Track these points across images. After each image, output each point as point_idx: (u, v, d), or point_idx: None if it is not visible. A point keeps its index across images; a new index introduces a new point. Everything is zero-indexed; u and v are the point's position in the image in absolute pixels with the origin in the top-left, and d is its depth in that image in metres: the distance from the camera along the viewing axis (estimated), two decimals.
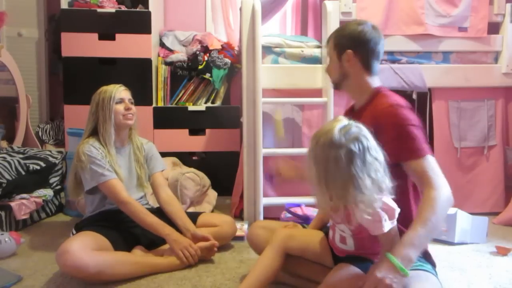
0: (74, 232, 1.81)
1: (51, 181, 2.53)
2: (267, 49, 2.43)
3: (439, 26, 2.46)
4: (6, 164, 2.24)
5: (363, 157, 1.12)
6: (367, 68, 1.46)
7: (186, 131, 2.93)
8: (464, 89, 2.54)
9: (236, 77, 3.13)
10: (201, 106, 2.95)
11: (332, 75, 1.52)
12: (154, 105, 2.89)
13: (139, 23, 2.81)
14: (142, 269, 1.63)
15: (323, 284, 1.25)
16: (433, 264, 1.41)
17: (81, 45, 2.77)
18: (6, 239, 1.83)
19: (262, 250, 1.47)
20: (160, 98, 2.94)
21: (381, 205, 1.14)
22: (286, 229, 1.49)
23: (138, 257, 1.69)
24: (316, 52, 2.47)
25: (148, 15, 2.83)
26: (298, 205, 2.21)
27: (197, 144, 2.95)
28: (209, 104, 3.00)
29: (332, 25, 2.37)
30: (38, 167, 2.40)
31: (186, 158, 2.88)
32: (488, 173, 2.56)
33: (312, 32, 3.10)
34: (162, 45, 3.08)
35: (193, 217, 1.91)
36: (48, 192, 2.40)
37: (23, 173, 2.30)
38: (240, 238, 2.04)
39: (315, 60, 2.47)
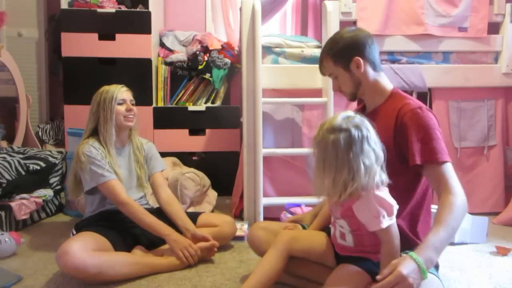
0: (74, 232, 1.81)
1: (51, 181, 2.53)
2: (267, 49, 2.43)
3: (439, 26, 2.46)
4: (6, 164, 2.24)
5: (361, 144, 1.17)
6: (375, 67, 1.47)
7: (186, 131, 2.93)
8: (464, 89, 2.54)
9: (236, 77, 3.13)
10: (201, 106, 2.95)
11: (347, 88, 1.49)
12: (154, 105, 2.89)
13: (139, 23, 2.81)
14: (142, 269, 1.63)
15: (325, 284, 1.25)
16: (436, 266, 1.42)
17: (81, 45, 2.77)
18: (6, 239, 1.83)
19: (263, 251, 1.47)
20: (160, 98, 2.94)
21: (374, 194, 1.17)
22: (290, 231, 1.49)
23: (138, 257, 1.68)
24: (316, 52, 2.47)
25: (148, 15, 2.83)
26: (298, 205, 2.22)
27: (197, 144, 2.95)
28: (209, 104, 3.00)
29: (332, 25, 2.37)
30: (38, 167, 2.40)
31: (186, 158, 2.88)
32: (488, 173, 2.56)
33: (312, 32, 3.10)
34: (162, 45, 3.08)
35: (193, 217, 1.91)
36: (48, 192, 2.40)
37: (23, 173, 2.30)
38: (240, 238, 2.04)
39: (315, 60, 2.47)
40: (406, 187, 1.37)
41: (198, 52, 2.98)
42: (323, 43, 2.46)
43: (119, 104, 1.83)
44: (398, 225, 1.24)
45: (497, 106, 2.58)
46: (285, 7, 3.21)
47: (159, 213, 1.86)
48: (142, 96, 2.73)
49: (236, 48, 3.10)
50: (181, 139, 2.92)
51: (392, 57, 2.49)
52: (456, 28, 2.48)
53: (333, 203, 1.30)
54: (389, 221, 1.18)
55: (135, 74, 2.79)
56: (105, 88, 1.86)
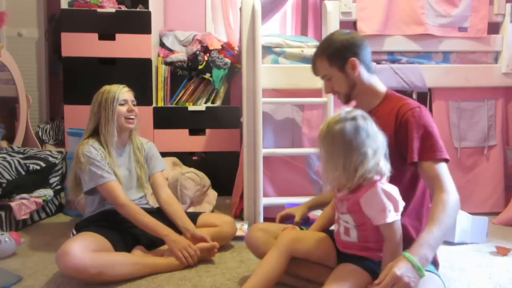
0: (74, 232, 1.81)
1: (51, 181, 2.53)
2: (267, 49, 2.42)
3: (439, 26, 2.46)
4: (6, 164, 2.24)
5: (366, 130, 1.23)
6: (369, 69, 1.49)
7: (186, 131, 2.93)
8: (464, 89, 2.54)
9: (236, 77, 3.13)
10: (201, 106, 2.95)
11: (342, 89, 1.50)
12: (154, 105, 2.89)
13: (139, 23, 2.81)
14: (142, 269, 1.63)
15: (326, 283, 1.25)
16: (436, 264, 1.42)
17: (81, 45, 2.77)
18: (6, 239, 1.83)
19: (261, 253, 1.47)
20: (160, 98, 2.94)
21: (382, 188, 1.20)
22: (292, 232, 1.48)
23: (138, 257, 1.68)
24: None
25: (148, 15, 2.83)
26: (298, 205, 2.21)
27: (197, 144, 2.95)
28: (209, 104, 3.00)
29: (332, 25, 2.37)
30: (38, 167, 2.40)
31: (186, 158, 2.88)
32: (488, 173, 2.56)
33: (312, 32, 3.10)
34: (162, 45, 3.08)
35: (193, 217, 1.91)
36: (48, 192, 2.40)
37: (23, 173, 2.30)
38: (240, 238, 2.04)
39: None
40: (406, 186, 1.38)
41: (198, 52, 2.98)
42: None
43: (121, 104, 1.82)
44: (402, 224, 1.25)
45: (497, 106, 2.58)
46: (285, 7, 3.21)
47: (159, 213, 1.86)
48: (142, 96, 2.73)
49: (236, 48, 3.10)
50: (181, 139, 2.92)
51: (392, 57, 2.49)
52: (456, 28, 2.48)
53: (338, 199, 1.31)
54: (394, 217, 1.20)
55: (135, 74, 2.79)
56: (107, 88, 1.85)
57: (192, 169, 2.58)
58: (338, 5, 2.39)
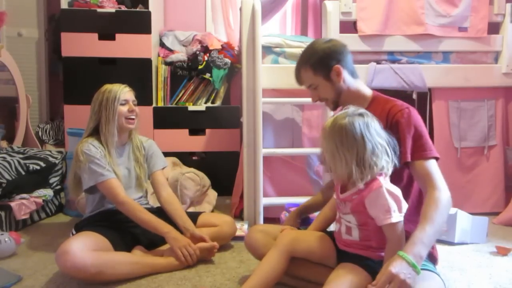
0: (74, 232, 1.80)
1: (51, 181, 2.53)
2: (267, 49, 2.42)
3: (439, 26, 2.46)
4: (6, 164, 2.24)
5: (375, 126, 1.26)
6: (353, 74, 1.54)
7: (186, 131, 2.93)
8: (464, 89, 2.54)
9: (236, 77, 3.13)
10: (201, 106, 2.95)
11: (329, 96, 1.53)
12: (154, 105, 2.89)
13: (139, 23, 2.81)
14: (142, 269, 1.63)
15: (326, 283, 1.25)
16: (434, 260, 1.44)
17: (81, 45, 2.77)
18: (6, 239, 1.83)
19: (261, 254, 1.47)
20: (160, 98, 2.94)
21: (387, 189, 1.22)
22: (292, 232, 1.49)
23: (138, 257, 1.68)
24: None
25: (148, 15, 2.83)
26: (298, 205, 2.21)
27: (197, 144, 2.95)
28: (209, 104, 3.00)
29: (332, 25, 2.37)
30: (38, 167, 2.40)
31: (186, 158, 2.88)
32: (488, 173, 2.56)
33: (312, 32, 3.11)
34: (162, 45, 3.08)
35: (193, 217, 1.91)
36: (48, 192, 2.40)
37: (23, 173, 2.30)
38: (240, 238, 2.03)
39: None
40: (403, 186, 1.38)
41: (198, 52, 2.98)
42: None
43: (122, 104, 1.82)
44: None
45: (497, 106, 2.58)
46: (285, 7, 3.21)
47: (159, 212, 1.86)
48: (142, 96, 2.71)
49: (236, 48, 3.10)
50: (181, 139, 2.92)
51: (392, 57, 2.49)
52: (456, 28, 2.48)
53: (341, 200, 1.32)
54: (398, 217, 1.21)
55: (135, 74, 2.79)
56: (108, 87, 1.84)
57: (192, 169, 2.58)
58: (338, 5, 2.39)
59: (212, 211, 2.59)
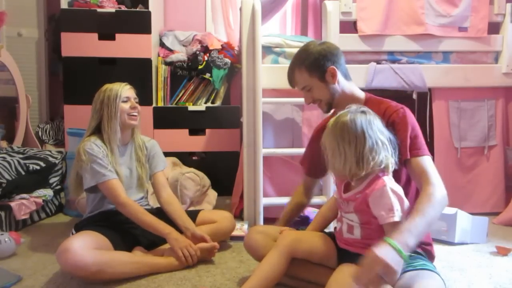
0: (74, 232, 1.80)
1: (51, 181, 2.53)
2: (267, 49, 2.42)
3: (439, 26, 2.45)
4: (6, 164, 2.24)
5: (377, 124, 1.28)
6: (346, 76, 1.55)
7: (186, 131, 2.93)
8: (464, 89, 2.54)
9: (236, 77, 3.13)
10: (201, 106, 2.95)
11: (323, 98, 1.54)
12: (154, 105, 2.89)
13: (139, 23, 2.81)
14: (142, 268, 1.63)
15: (328, 284, 1.25)
16: (432, 257, 1.46)
17: (81, 45, 2.77)
18: (6, 239, 1.83)
19: (260, 256, 1.47)
20: (160, 98, 2.94)
21: (390, 188, 1.23)
22: (292, 233, 1.49)
23: (138, 256, 1.68)
24: None
25: (148, 15, 2.83)
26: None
27: (197, 144, 2.95)
28: (209, 104, 3.00)
29: (332, 25, 2.37)
30: (38, 167, 2.40)
31: (186, 158, 2.88)
32: (488, 173, 2.56)
33: (312, 32, 3.11)
34: (162, 45, 3.08)
35: (193, 214, 1.92)
36: (48, 192, 2.40)
37: (23, 173, 2.30)
38: (240, 238, 2.03)
39: None
40: (401, 187, 1.38)
41: (198, 52, 2.98)
42: None
43: (123, 101, 1.82)
44: None
45: (497, 106, 2.58)
46: (285, 7, 3.21)
47: (159, 213, 1.86)
48: (142, 96, 2.68)
49: (236, 48, 3.10)
50: (181, 139, 2.91)
51: (392, 57, 2.49)
52: (456, 28, 2.48)
53: (344, 200, 1.33)
54: (401, 217, 1.22)
55: (135, 74, 2.79)
56: (109, 86, 1.84)
57: (192, 169, 2.58)
58: (338, 5, 2.39)
59: None
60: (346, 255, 1.33)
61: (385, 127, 1.32)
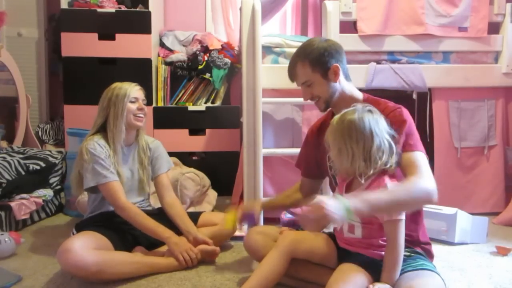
0: (75, 232, 1.80)
1: (51, 181, 2.53)
2: (267, 49, 2.42)
3: (439, 26, 2.45)
4: (6, 164, 2.24)
5: (383, 123, 1.29)
6: (347, 76, 1.54)
7: (186, 131, 2.93)
8: (464, 89, 2.53)
9: (236, 77, 3.13)
10: (201, 106, 2.95)
11: (323, 95, 1.51)
12: (154, 105, 2.89)
13: (139, 23, 2.81)
14: (142, 268, 1.63)
15: (328, 284, 1.25)
16: (431, 256, 1.46)
17: (81, 45, 2.77)
18: (6, 239, 1.83)
19: (260, 256, 1.47)
20: (160, 98, 2.94)
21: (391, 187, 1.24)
22: (293, 233, 1.48)
23: (139, 257, 1.68)
24: None
25: (148, 15, 2.83)
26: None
27: (197, 144, 2.95)
28: (209, 104, 3.00)
29: (332, 25, 2.37)
30: (38, 167, 2.40)
31: (186, 158, 2.88)
32: (488, 173, 2.56)
33: (312, 32, 3.11)
34: (162, 45, 3.08)
35: (194, 216, 1.91)
36: (48, 192, 2.40)
37: (23, 173, 2.30)
38: (240, 238, 2.03)
39: None
40: None
41: (198, 52, 2.98)
42: None
43: (131, 102, 1.80)
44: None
45: (497, 106, 2.58)
46: (285, 7, 3.21)
47: (160, 214, 1.86)
48: None
49: (236, 48, 3.10)
50: (181, 139, 2.91)
51: (392, 57, 2.49)
52: (456, 28, 2.48)
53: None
54: (400, 215, 1.22)
55: (135, 74, 2.78)
56: (118, 84, 1.83)
57: (192, 169, 2.58)
58: (338, 5, 2.39)
59: (212, 211, 2.59)
60: (346, 255, 1.33)
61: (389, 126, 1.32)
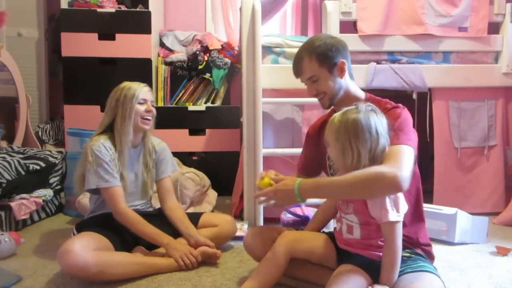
0: (75, 231, 1.79)
1: (51, 181, 2.53)
2: (267, 49, 2.42)
3: (439, 26, 2.45)
4: (6, 164, 2.24)
5: (384, 121, 1.28)
6: (351, 75, 1.53)
7: (186, 131, 2.93)
8: (464, 89, 2.54)
9: (236, 77, 3.13)
10: (201, 106, 2.95)
11: (329, 91, 1.49)
12: (154, 105, 2.89)
13: (139, 23, 2.81)
14: (142, 269, 1.63)
15: (328, 285, 1.24)
16: (431, 257, 1.45)
17: (81, 45, 2.77)
18: (6, 239, 1.83)
19: (260, 256, 1.47)
20: (160, 98, 2.94)
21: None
22: (292, 233, 1.48)
23: (139, 257, 1.68)
24: None
25: (148, 15, 2.83)
26: (298, 205, 2.21)
27: (197, 144, 2.95)
28: (209, 104, 3.00)
29: (332, 25, 2.37)
30: (38, 167, 2.40)
31: (186, 158, 2.88)
32: (488, 173, 2.56)
33: (312, 32, 3.11)
34: (162, 45, 3.08)
35: (195, 217, 1.90)
36: (48, 192, 2.40)
37: (23, 173, 2.30)
38: (240, 238, 2.03)
39: None
40: None
41: (198, 52, 2.98)
42: None
43: (140, 103, 1.78)
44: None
45: (497, 106, 2.58)
46: (285, 7, 3.21)
47: (161, 215, 1.86)
48: None
49: (236, 48, 3.10)
50: (181, 139, 2.91)
51: (392, 57, 2.49)
52: (456, 28, 2.48)
53: (343, 201, 1.34)
54: (396, 217, 1.21)
55: (135, 74, 2.78)
56: (127, 84, 1.80)
57: (192, 169, 2.58)
58: (338, 5, 2.39)
59: (212, 211, 2.59)
60: (346, 255, 1.33)
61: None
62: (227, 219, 1.96)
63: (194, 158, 2.96)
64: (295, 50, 2.41)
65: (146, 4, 2.88)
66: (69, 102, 2.80)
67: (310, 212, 2.12)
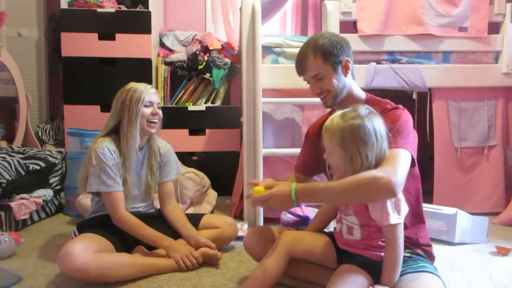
0: (76, 231, 1.78)
1: (51, 181, 2.53)
2: (267, 49, 2.42)
3: (439, 26, 2.45)
4: (6, 164, 2.24)
5: (382, 122, 1.28)
6: (353, 75, 1.53)
7: (186, 131, 2.93)
8: (464, 89, 2.54)
9: (236, 77, 3.13)
10: (201, 106, 2.95)
11: (333, 89, 1.47)
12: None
13: (139, 23, 2.81)
14: (143, 270, 1.62)
15: (328, 285, 1.24)
16: (432, 258, 1.45)
17: (81, 45, 2.77)
18: (6, 239, 1.83)
19: (259, 256, 1.47)
20: (160, 98, 2.94)
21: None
22: (292, 233, 1.48)
23: (140, 258, 1.67)
24: None
25: (148, 15, 2.83)
26: (299, 205, 2.21)
27: (197, 144, 2.95)
28: (209, 104, 3.00)
29: (332, 25, 2.37)
30: (38, 167, 2.40)
31: (186, 158, 2.88)
32: (488, 173, 2.56)
33: (312, 32, 3.11)
34: (162, 45, 3.08)
35: (196, 219, 1.89)
36: (48, 192, 2.40)
37: (23, 173, 2.30)
38: (240, 238, 2.03)
39: None
40: None
41: (198, 52, 2.98)
42: None
43: (146, 106, 1.74)
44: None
45: (497, 106, 2.58)
46: (285, 7, 3.21)
47: (161, 215, 1.86)
48: None
49: (236, 48, 3.10)
50: (181, 139, 2.91)
51: (392, 57, 2.49)
52: (456, 28, 2.48)
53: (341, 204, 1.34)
54: (397, 219, 1.21)
55: (135, 74, 2.78)
56: (133, 85, 1.76)
57: (192, 169, 2.58)
58: (338, 5, 2.39)
59: (212, 211, 2.59)
60: (346, 255, 1.33)
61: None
62: (229, 221, 1.94)
63: (194, 158, 2.96)
64: (295, 50, 2.44)
65: (146, 4, 2.88)
66: (69, 102, 2.80)
67: (310, 212, 2.12)
